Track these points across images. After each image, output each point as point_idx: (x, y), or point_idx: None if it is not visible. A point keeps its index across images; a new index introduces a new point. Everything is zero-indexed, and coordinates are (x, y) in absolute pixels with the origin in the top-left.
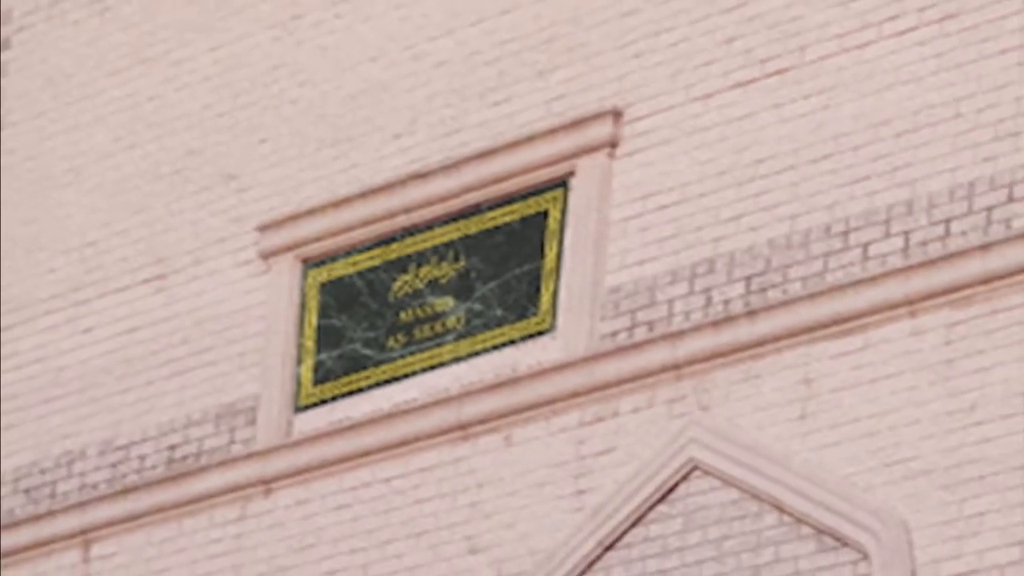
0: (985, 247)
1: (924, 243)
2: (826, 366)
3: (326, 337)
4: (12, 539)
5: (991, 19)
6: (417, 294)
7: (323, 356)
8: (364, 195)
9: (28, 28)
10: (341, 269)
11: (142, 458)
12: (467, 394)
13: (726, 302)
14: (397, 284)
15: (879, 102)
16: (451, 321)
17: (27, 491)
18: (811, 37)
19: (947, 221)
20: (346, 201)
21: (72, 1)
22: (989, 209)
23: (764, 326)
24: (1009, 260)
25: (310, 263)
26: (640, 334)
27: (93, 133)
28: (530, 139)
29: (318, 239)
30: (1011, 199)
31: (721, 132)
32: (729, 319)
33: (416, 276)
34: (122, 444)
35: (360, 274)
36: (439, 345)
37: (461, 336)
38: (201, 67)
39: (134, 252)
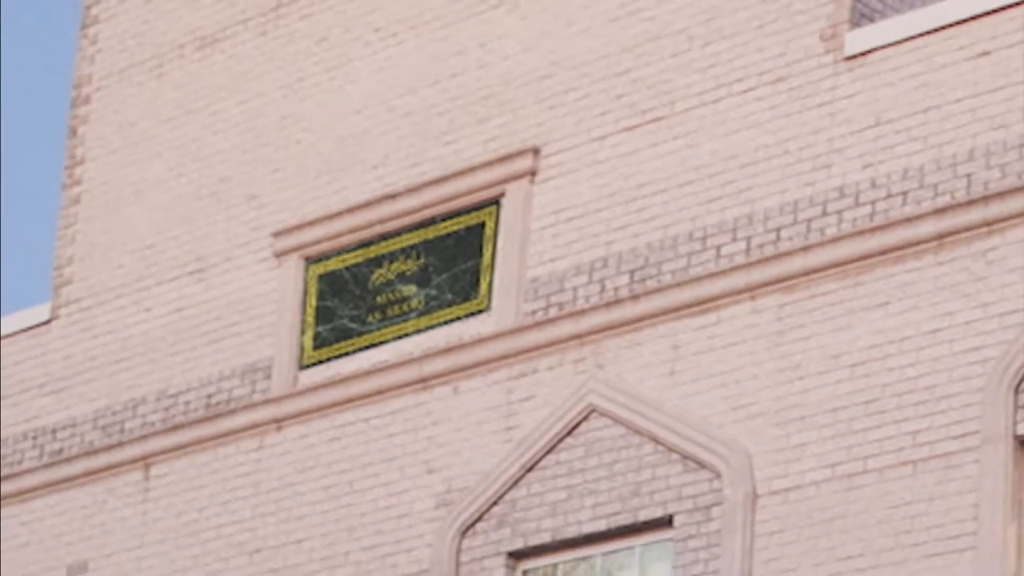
0: (806, 248)
1: (761, 245)
2: (689, 336)
3: (322, 315)
4: (92, 463)
5: (810, 81)
6: (389, 283)
7: (320, 328)
8: (351, 210)
9: (104, 88)
10: (333, 265)
11: (187, 403)
12: (426, 356)
13: (615, 289)
14: (374, 276)
15: (729, 142)
16: (414, 303)
17: (104, 428)
18: (679, 94)
19: (778, 229)
20: (337, 215)
21: (136, 68)
22: (809, 220)
23: (644, 307)
24: (823, 259)
25: (311, 260)
26: (552, 312)
27: (151, 165)
28: (472, 169)
29: (316, 243)
30: (824, 214)
31: (613, 164)
32: (617, 301)
33: (388, 270)
34: (172, 393)
35: (347, 268)
36: (405, 321)
37: (421, 314)
38: (231, 117)
39: (181, 252)
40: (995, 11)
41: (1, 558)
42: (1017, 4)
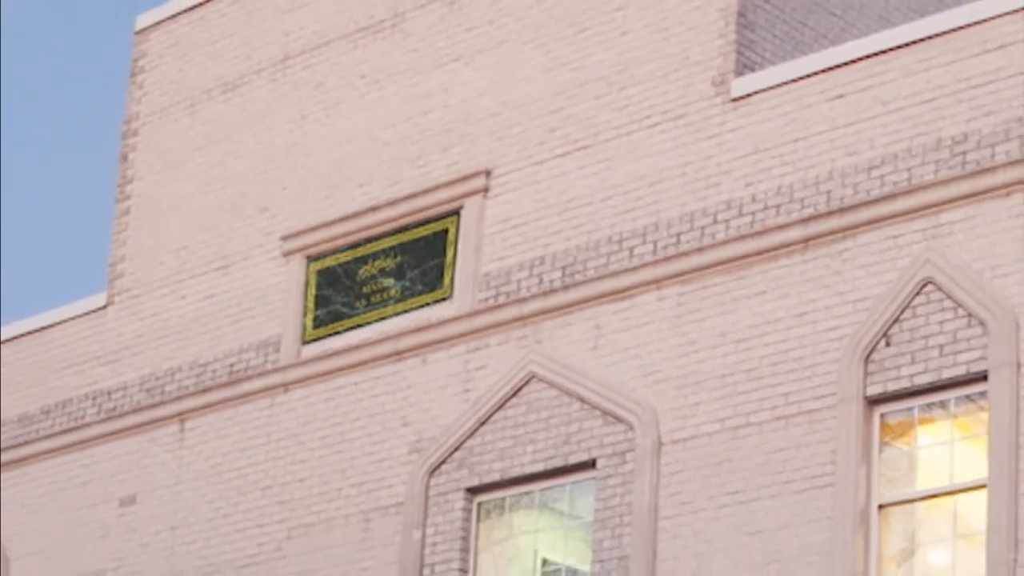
0: (700, 249)
1: (665, 247)
2: (608, 319)
3: (320, 302)
4: (139, 418)
5: (703, 118)
6: (372, 277)
7: (318, 312)
8: (342, 219)
9: (148, 123)
10: (329, 262)
11: (214, 371)
12: (401, 335)
13: (551, 281)
14: (361, 271)
15: (640, 165)
16: (392, 292)
17: (148, 390)
18: (601, 128)
19: (678, 234)
20: (332, 222)
21: (174, 107)
22: (702, 227)
23: (572, 295)
24: (714, 257)
25: (311, 259)
26: (501, 300)
27: (185, 184)
28: (438, 187)
29: (316, 245)
30: (715, 222)
31: (548, 183)
32: (552, 291)
33: (372, 266)
34: (202, 363)
35: (340, 265)
36: (385, 306)
37: (398, 301)
38: (248, 145)
39: (209, 252)
40: (848, 63)
41: (68, 494)
42: (865, 58)
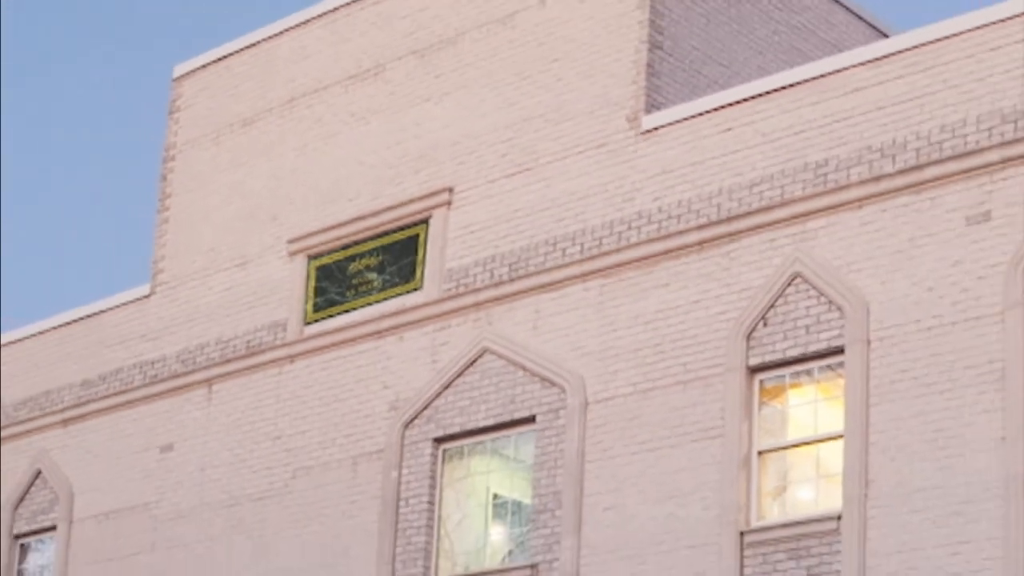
0: (618, 250)
1: (590, 248)
2: (546, 305)
3: (318, 291)
4: (175, 383)
5: (621, 146)
6: (359, 272)
7: (317, 300)
8: (336, 226)
9: (183, 151)
10: (325, 260)
11: (235, 346)
12: (382, 317)
13: (500, 275)
14: (351, 267)
15: (571, 184)
16: (375, 284)
17: (183, 361)
18: (540, 154)
19: (600, 238)
20: (328, 229)
21: (203, 138)
22: (620, 233)
23: (517, 287)
24: (629, 256)
25: (311, 257)
26: (461, 290)
27: (212, 198)
28: (411, 201)
29: (315, 246)
30: (630, 228)
31: (499, 198)
32: (501, 283)
33: (359, 263)
34: (225, 340)
35: (334, 263)
36: (369, 295)
37: (379, 291)
38: (261, 168)
39: (231, 252)
40: (735, 103)
41: (119, 443)
42: (748, 99)
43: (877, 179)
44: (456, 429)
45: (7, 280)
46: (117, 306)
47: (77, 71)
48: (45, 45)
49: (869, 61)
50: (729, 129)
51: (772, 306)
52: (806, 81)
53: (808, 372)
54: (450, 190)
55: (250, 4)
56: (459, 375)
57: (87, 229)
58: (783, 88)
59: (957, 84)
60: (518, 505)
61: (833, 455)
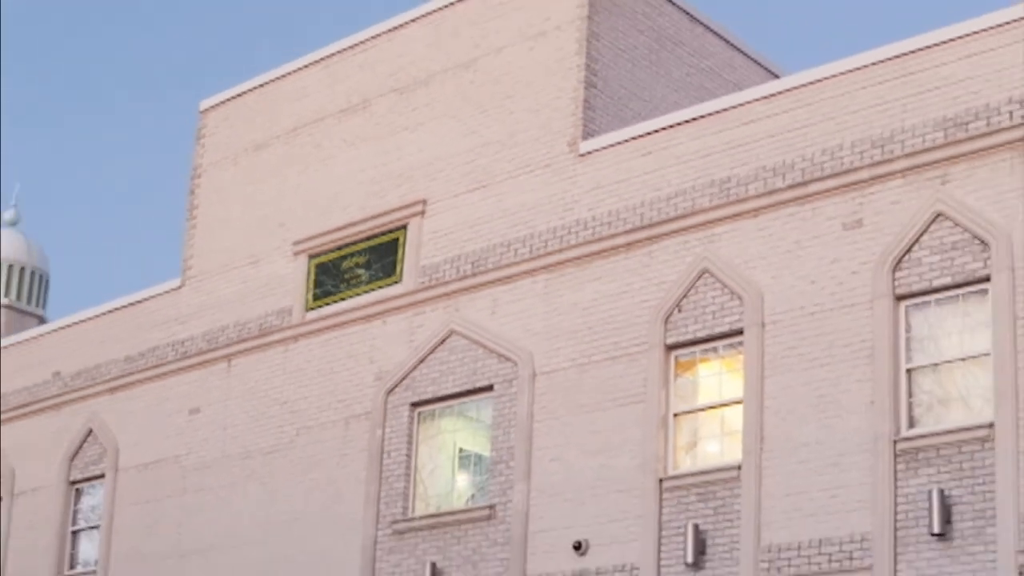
0: (560, 250)
1: (538, 248)
2: (502, 295)
3: (318, 284)
4: (201, 358)
5: (562, 167)
6: (350, 269)
7: (316, 291)
8: (331, 231)
9: (207, 170)
10: (323, 259)
11: (250, 328)
12: (369, 305)
13: (464, 271)
14: (344, 264)
15: (522, 198)
16: (363, 278)
17: (207, 340)
18: (494, 173)
19: (547, 240)
20: (325, 234)
21: (223, 160)
22: (562, 236)
23: (478, 280)
24: (569, 256)
25: (311, 256)
26: (433, 283)
27: (231, 208)
28: (392, 211)
29: (314, 247)
30: (570, 233)
31: (461, 210)
32: (465, 277)
33: (351, 262)
34: (242, 322)
35: (330, 261)
36: (358, 287)
37: (367, 284)
38: (271, 184)
39: (245, 252)
40: (655, 131)
41: (156, 407)
42: (665, 128)
43: (770, 193)
44: (429, 395)
45: (68, 274)
46: (154, 296)
47: (126, 108)
48: (103, 85)
49: (763, 98)
50: (650, 153)
51: (685, 296)
52: (712, 114)
53: (714, 349)
54: (424, 202)
55: (260, 50)
56: (432, 352)
57: (130, 234)
58: (694, 119)
59: (834, 116)
60: (479, 457)
61: (735, 417)
